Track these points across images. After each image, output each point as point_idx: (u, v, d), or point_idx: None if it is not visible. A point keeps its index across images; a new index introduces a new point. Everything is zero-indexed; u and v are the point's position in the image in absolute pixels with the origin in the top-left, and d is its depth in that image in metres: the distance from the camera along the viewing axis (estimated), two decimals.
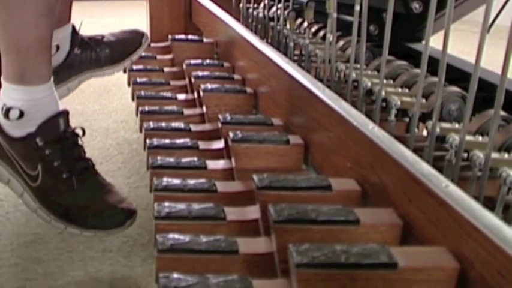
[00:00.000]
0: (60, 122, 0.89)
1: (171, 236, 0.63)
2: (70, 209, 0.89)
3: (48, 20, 0.86)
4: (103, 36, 1.29)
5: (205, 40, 1.48)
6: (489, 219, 0.52)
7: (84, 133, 0.94)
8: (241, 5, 1.49)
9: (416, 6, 1.12)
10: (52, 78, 0.91)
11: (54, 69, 1.12)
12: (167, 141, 0.94)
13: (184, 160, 0.86)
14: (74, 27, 1.22)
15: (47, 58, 0.89)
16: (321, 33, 1.26)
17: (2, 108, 0.87)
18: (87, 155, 0.95)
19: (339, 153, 0.79)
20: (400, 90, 0.92)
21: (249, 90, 1.13)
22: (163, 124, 1.01)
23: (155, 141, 0.93)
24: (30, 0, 0.83)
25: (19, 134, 0.88)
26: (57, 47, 1.17)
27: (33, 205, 0.90)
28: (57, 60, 1.17)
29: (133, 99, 1.21)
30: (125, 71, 1.34)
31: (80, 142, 0.94)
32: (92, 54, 1.23)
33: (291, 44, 1.20)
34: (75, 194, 0.89)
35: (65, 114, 0.90)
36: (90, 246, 1.00)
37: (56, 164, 0.88)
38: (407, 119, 0.95)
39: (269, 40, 1.35)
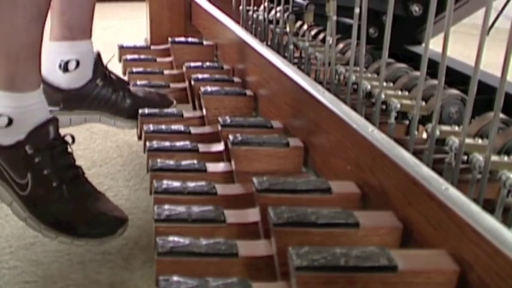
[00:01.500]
0: (50, 129, 0.87)
1: (170, 238, 0.63)
2: (60, 218, 0.87)
3: (38, 25, 0.84)
4: (128, 83, 1.22)
5: (205, 43, 1.48)
6: (489, 222, 0.52)
7: (73, 141, 0.92)
8: (241, 7, 1.49)
9: (416, 9, 1.12)
10: (41, 86, 0.89)
11: (66, 93, 1.12)
12: (167, 143, 0.94)
13: (184, 163, 0.86)
14: (99, 55, 1.15)
15: (36, 64, 0.87)
16: (321, 36, 1.27)
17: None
18: (87, 157, 0.95)
19: (338, 156, 0.79)
20: (399, 93, 0.92)
21: (248, 92, 1.13)
22: (163, 127, 1.02)
23: (155, 143, 0.93)
24: (20, 5, 0.81)
25: (8, 142, 0.86)
26: (77, 63, 1.11)
27: (23, 214, 0.88)
28: (74, 81, 1.12)
29: None
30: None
31: (69, 150, 0.91)
32: (112, 96, 1.15)
33: (291, 46, 1.20)
34: (65, 203, 0.88)
35: (54, 121, 0.89)
36: (89, 249, 1.00)
37: (46, 172, 0.86)
38: (407, 122, 0.95)
39: (269, 43, 1.35)
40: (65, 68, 1.11)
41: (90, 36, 1.16)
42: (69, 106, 1.14)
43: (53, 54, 1.11)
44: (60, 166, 0.88)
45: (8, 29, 0.82)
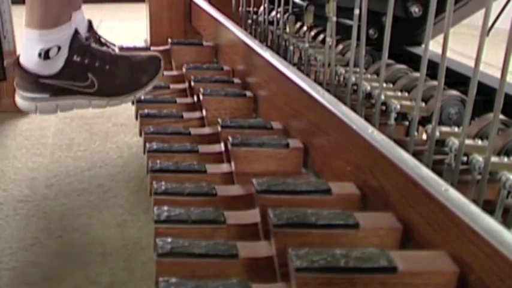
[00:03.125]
0: (79, 36, 1.04)
1: (170, 239, 0.63)
2: (126, 85, 1.08)
3: None
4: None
5: (204, 44, 1.48)
6: (488, 223, 0.52)
7: (91, 25, 1.20)
8: (240, 8, 1.49)
9: (415, 10, 1.12)
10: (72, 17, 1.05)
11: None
12: (167, 144, 0.94)
13: (183, 164, 0.86)
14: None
15: (67, 3, 1.04)
16: (321, 37, 1.27)
17: (42, 51, 1.00)
18: (87, 158, 0.96)
19: (338, 157, 0.79)
20: (399, 94, 0.92)
21: (248, 93, 1.13)
22: (163, 128, 1.01)
23: (155, 144, 0.93)
24: None
25: (60, 65, 1.01)
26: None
27: (104, 103, 1.07)
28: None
29: (133, 102, 1.21)
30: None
31: (97, 36, 1.17)
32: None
33: (291, 47, 1.20)
34: (121, 74, 1.08)
35: (78, 30, 1.04)
36: (89, 250, 1.00)
37: (97, 64, 1.05)
38: (406, 123, 0.95)
39: (269, 44, 1.36)
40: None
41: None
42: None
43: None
44: (102, 53, 1.07)
45: None
